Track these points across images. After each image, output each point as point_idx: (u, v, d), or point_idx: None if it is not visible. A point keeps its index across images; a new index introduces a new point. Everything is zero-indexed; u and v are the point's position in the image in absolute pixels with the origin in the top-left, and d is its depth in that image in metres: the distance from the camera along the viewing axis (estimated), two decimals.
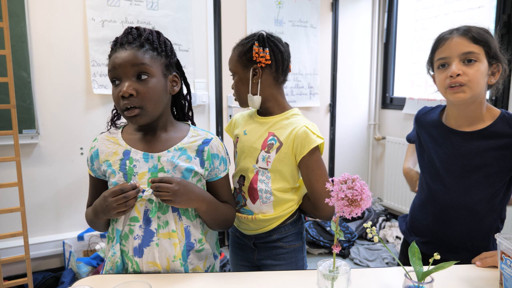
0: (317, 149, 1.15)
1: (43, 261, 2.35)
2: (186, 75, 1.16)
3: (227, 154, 1.14)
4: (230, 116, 2.91)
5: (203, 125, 2.77)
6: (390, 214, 3.37)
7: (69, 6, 2.25)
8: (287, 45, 1.22)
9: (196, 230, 1.07)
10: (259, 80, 1.17)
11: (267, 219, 1.19)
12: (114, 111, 1.13)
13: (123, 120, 1.10)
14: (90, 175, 1.11)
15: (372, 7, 3.43)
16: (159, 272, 1.02)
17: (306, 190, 1.21)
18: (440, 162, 1.19)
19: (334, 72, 3.33)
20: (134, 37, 0.99)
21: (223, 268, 2.43)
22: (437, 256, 0.79)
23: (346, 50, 3.35)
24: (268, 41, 1.17)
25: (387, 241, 2.98)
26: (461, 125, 1.16)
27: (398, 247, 2.52)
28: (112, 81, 1.00)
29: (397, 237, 2.98)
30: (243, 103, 1.22)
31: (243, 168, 1.22)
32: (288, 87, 3.08)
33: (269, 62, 1.16)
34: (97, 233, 2.36)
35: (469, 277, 0.99)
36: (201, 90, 2.72)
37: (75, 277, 2.20)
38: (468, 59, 1.07)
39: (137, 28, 1.02)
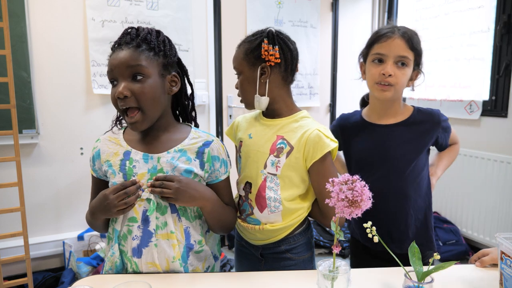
0: (329, 154, 1.08)
1: (43, 261, 2.35)
2: None
3: (228, 157, 1.12)
4: (230, 116, 2.91)
5: (203, 125, 2.77)
6: None
7: (69, 6, 2.25)
8: (295, 43, 1.16)
9: (195, 232, 1.06)
10: (267, 80, 1.09)
11: (275, 229, 1.11)
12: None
13: None
14: (92, 175, 1.11)
15: (372, 7, 3.43)
16: (159, 272, 1.02)
17: (315, 196, 1.14)
18: (370, 154, 1.26)
19: (334, 72, 3.33)
20: (132, 37, 0.99)
21: (223, 268, 2.43)
22: (437, 256, 0.80)
23: (346, 50, 3.34)
24: (277, 38, 1.09)
25: None
26: (383, 119, 1.26)
27: None
28: (111, 82, 1.00)
29: None
30: (249, 105, 1.14)
31: (249, 174, 1.13)
32: None
33: (279, 60, 1.08)
34: (97, 233, 2.36)
35: (469, 277, 1.00)
36: (201, 90, 2.72)
37: (75, 277, 2.20)
38: (402, 62, 1.17)
39: (137, 29, 1.02)
